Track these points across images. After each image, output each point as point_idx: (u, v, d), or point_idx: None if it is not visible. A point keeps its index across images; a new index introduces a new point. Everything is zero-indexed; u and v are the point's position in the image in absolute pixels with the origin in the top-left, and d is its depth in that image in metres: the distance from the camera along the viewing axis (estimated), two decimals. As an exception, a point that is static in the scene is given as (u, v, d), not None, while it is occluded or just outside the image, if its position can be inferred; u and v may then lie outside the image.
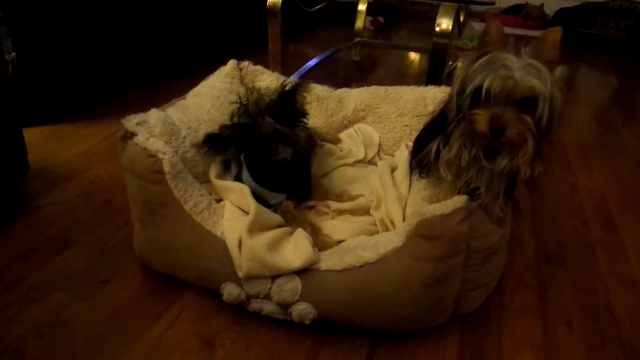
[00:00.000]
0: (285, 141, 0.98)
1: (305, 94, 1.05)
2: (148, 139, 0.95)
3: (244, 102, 1.08)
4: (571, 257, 1.20)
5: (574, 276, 1.14)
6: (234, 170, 1.09)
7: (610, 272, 1.16)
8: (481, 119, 0.82)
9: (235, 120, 1.09)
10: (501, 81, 0.79)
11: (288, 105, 1.02)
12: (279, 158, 0.98)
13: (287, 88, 1.06)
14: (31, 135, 1.57)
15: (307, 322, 0.90)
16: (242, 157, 1.07)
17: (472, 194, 0.92)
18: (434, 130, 1.09)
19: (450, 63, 2.54)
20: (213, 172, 1.11)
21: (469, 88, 0.83)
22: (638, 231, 1.32)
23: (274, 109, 1.01)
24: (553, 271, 1.15)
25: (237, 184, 1.03)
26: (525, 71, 0.80)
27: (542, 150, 0.86)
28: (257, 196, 1.01)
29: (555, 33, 0.80)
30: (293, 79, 1.37)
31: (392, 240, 0.87)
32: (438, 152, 1.01)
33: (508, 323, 0.99)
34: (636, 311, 1.04)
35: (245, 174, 1.05)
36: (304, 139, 1.02)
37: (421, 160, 1.10)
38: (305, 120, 1.06)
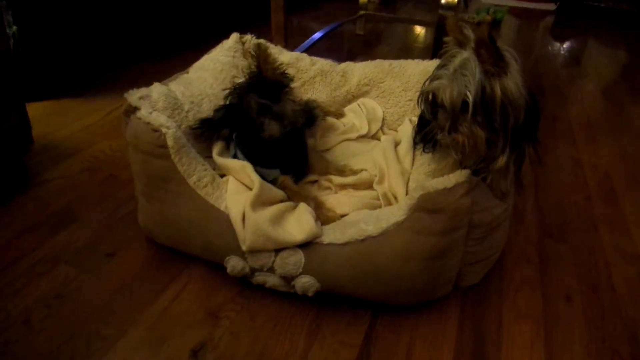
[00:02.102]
0: (270, 115, 0.98)
1: (267, 53, 1.04)
2: (151, 113, 0.95)
3: (236, 85, 1.07)
4: (573, 232, 1.21)
5: (576, 251, 1.14)
6: (231, 152, 1.10)
7: (612, 247, 1.16)
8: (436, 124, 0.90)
9: (228, 101, 1.09)
10: (438, 91, 0.85)
11: (262, 75, 1.02)
12: (267, 134, 0.98)
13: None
14: (35, 110, 1.57)
15: (310, 294, 0.91)
16: (234, 137, 1.08)
17: (476, 172, 0.92)
18: None
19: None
20: (215, 149, 1.11)
21: (424, 88, 0.89)
22: (641, 207, 1.32)
23: (257, 83, 1.01)
24: (555, 246, 1.15)
25: (238, 162, 1.03)
26: (455, 80, 0.83)
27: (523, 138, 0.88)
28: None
29: (481, 32, 0.81)
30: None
31: (394, 214, 0.87)
32: None
33: (509, 296, 1.00)
34: (636, 285, 1.05)
35: (238, 153, 1.06)
36: (290, 112, 1.01)
37: (426, 135, 1.09)
38: (289, 90, 1.05)
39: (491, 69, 0.80)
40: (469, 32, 0.84)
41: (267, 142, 1.00)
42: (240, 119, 1.00)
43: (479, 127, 0.83)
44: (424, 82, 0.92)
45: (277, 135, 0.99)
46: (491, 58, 0.80)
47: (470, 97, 0.80)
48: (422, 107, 0.94)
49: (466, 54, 0.83)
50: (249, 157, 1.04)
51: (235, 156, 1.07)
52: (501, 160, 0.85)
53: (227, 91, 1.08)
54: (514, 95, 0.80)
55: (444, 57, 0.89)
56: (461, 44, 0.86)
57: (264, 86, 1.01)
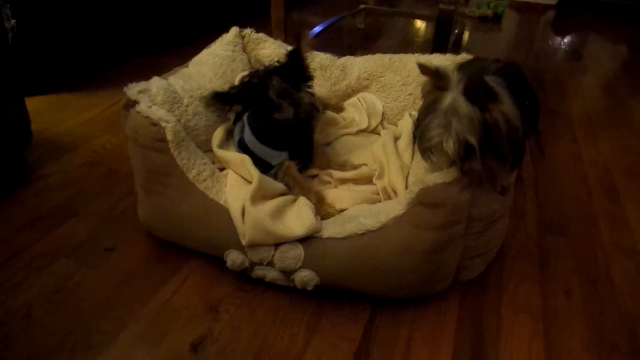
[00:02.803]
0: (290, 100, 1.00)
1: (307, 45, 1.06)
2: (150, 107, 0.95)
3: (254, 69, 1.08)
4: (573, 227, 1.21)
5: (575, 246, 1.14)
6: (237, 136, 1.10)
7: (611, 242, 1.16)
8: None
9: (246, 80, 1.09)
10: (440, 146, 0.81)
11: (296, 63, 1.03)
12: (281, 116, 1.00)
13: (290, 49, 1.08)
14: (34, 104, 1.57)
15: (309, 288, 0.91)
16: (245, 117, 1.08)
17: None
18: None
19: (456, 31, 2.50)
20: (215, 141, 1.11)
21: (425, 145, 0.84)
22: (641, 202, 1.32)
23: (283, 69, 1.02)
24: (554, 241, 1.15)
25: (238, 155, 1.03)
26: (451, 128, 0.79)
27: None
28: (259, 159, 1.03)
29: None
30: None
31: (393, 208, 0.87)
32: None
33: (508, 291, 1.00)
34: (636, 280, 1.05)
35: (247, 134, 1.06)
36: (307, 102, 1.02)
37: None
38: (311, 85, 1.07)
39: (484, 104, 0.78)
40: (451, 74, 0.81)
41: (280, 124, 1.02)
42: (257, 97, 1.02)
43: (490, 159, 0.82)
44: (415, 126, 0.89)
45: (291, 119, 1.01)
46: (482, 95, 0.77)
47: (474, 140, 0.78)
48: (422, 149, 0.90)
49: (451, 95, 0.80)
50: (260, 137, 1.04)
51: (242, 139, 1.07)
52: (512, 177, 0.84)
53: (248, 71, 1.09)
54: (514, 117, 0.78)
55: (427, 102, 0.85)
56: (441, 87, 0.82)
57: (287, 73, 1.03)
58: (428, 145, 0.83)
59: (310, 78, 1.07)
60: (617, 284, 1.04)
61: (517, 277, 1.04)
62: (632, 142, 1.65)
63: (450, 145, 0.78)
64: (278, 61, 1.06)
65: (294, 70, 1.02)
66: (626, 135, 1.69)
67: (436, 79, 0.83)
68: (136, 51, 2.07)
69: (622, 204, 1.31)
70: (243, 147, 1.07)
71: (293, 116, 1.00)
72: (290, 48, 1.08)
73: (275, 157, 1.04)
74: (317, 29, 2.34)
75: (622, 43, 2.86)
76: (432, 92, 0.84)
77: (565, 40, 2.83)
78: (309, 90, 1.05)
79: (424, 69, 0.83)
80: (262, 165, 1.02)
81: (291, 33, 1.99)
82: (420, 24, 2.91)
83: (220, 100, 1.06)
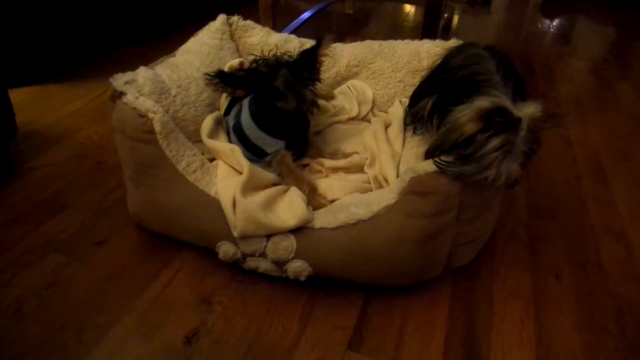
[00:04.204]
0: (295, 93, 0.99)
1: (326, 51, 1.05)
2: (137, 98, 0.93)
3: (263, 57, 1.07)
4: (563, 210, 1.22)
5: (565, 229, 1.15)
6: (232, 121, 1.09)
7: (600, 224, 1.17)
8: None
9: (253, 66, 1.08)
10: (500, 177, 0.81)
11: (308, 61, 1.02)
12: (285, 105, 1.00)
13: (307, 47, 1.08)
14: (18, 96, 1.54)
15: (302, 278, 0.91)
16: (244, 102, 1.08)
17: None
18: (430, 87, 1.07)
19: (446, 15, 2.48)
20: (204, 131, 1.09)
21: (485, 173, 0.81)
22: (629, 184, 1.33)
23: (293, 65, 1.01)
24: (544, 225, 1.16)
25: (228, 145, 1.02)
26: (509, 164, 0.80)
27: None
28: (254, 145, 1.02)
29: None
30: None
31: (385, 197, 0.87)
32: (432, 111, 1.01)
33: (499, 276, 1.01)
34: (624, 262, 1.07)
35: (246, 119, 1.05)
36: (310, 99, 1.02)
37: (415, 114, 1.09)
38: (316, 85, 1.06)
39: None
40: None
41: (282, 113, 1.01)
42: (264, 84, 1.01)
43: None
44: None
45: (293, 110, 1.01)
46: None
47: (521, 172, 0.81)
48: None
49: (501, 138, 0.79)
50: (259, 123, 1.04)
51: (238, 123, 1.06)
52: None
53: (254, 58, 1.07)
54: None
55: (496, 144, 0.80)
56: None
57: (297, 70, 1.01)
58: (496, 182, 0.82)
59: (319, 80, 1.06)
60: (605, 266, 1.05)
61: (507, 262, 1.05)
62: (620, 125, 1.66)
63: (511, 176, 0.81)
64: (290, 56, 1.05)
65: (305, 69, 1.02)
66: (614, 118, 1.70)
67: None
68: (122, 40, 2.04)
69: (610, 186, 1.32)
70: (238, 132, 1.06)
71: (295, 108, 1.00)
72: (308, 46, 1.06)
73: (272, 144, 1.03)
74: (305, 15, 2.31)
75: (610, 25, 2.87)
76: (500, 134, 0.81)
77: (554, 23, 2.82)
78: (313, 89, 1.04)
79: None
80: (256, 153, 1.02)
81: (279, 19, 1.96)
82: (409, 8, 2.89)
83: (224, 81, 1.05)
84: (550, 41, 2.50)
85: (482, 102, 0.80)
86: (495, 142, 0.78)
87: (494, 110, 0.78)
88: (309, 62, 1.03)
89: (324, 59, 1.06)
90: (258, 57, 1.06)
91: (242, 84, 1.07)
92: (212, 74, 1.05)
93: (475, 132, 0.79)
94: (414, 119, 1.12)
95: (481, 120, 0.79)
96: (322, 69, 1.07)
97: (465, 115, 0.81)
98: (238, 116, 1.08)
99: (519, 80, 0.94)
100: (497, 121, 0.78)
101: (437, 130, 0.97)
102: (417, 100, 1.12)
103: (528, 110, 0.77)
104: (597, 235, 1.14)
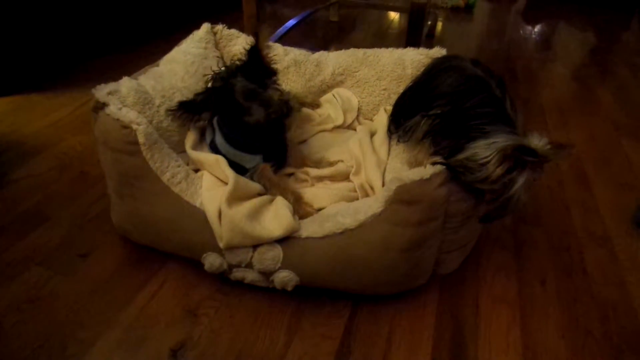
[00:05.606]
0: (258, 101, 0.97)
1: (266, 43, 1.04)
2: (120, 109, 0.92)
3: (216, 70, 1.05)
4: (547, 216, 1.23)
5: (549, 235, 1.17)
6: (208, 137, 1.08)
7: (583, 229, 1.19)
8: None
9: (209, 85, 1.06)
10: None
11: (256, 60, 1.01)
12: (252, 119, 0.98)
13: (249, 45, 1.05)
14: (-1, 106, 1.51)
15: (289, 288, 0.91)
16: (214, 121, 1.05)
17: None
18: (420, 104, 1.06)
19: (429, 22, 2.50)
20: (188, 142, 1.09)
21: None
22: (611, 189, 1.35)
23: (244, 68, 1.00)
24: (529, 231, 1.18)
25: (212, 156, 1.01)
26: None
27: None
28: (232, 162, 1.01)
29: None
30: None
31: (371, 206, 0.87)
32: (429, 132, 1.01)
33: (485, 282, 1.02)
34: (607, 267, 1.08)
35: (219, 139, 1.04)
36: (277, 100, 1.00)
37: (406, 129, 1.09)
38: (275, 79, 1.04)
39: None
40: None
41: (251, 127, 0.99)
42: (224, 102, 0.99)
43: None
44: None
45: (263, 122, 0.98)
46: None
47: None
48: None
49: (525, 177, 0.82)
50: (232, 142, 1.02)
51: (213, 141, 1.05)
52: None
53: (209, 75, 1.05)
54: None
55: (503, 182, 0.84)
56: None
57: (249, 71, 1.00)
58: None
59: (274, 72, 1.04)
60: (589, 271, 1.07)
61: (493, 268, 1.06)
62: (601, 129, 1.69)
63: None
64: (239, 59, 1.03)
65: (256, 68, 0.99)
66: (595, 123, 1.73)
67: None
68: (105, 48, 2.01)
69: (592, 191, 1.34)
70: (215, 150, 1.04)
71: (264, 118, 0.98)
72: (248, 46, 1.04)
73: (249, 160, 1.02)
74: (290, 22, 2.32)
75: (589, 30, 2.92)
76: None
77: (536, 29, 2.87)
78: (277, 87, 1.02)
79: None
80: (236, 169, 1.00)
81: (264, 28, 1.96)
82: (393, 15, 2.91)
83: (187, 110, 1.02)
84: (532, 47, 2.54)
85: (505, 143, 0.83)
86: (521, 181, 0.81)
87: (518, 148, 0.80)
88: (257, 59, 1.01)
89: (267, 51, 1.04)
90: (213, 73, 1.04)
91: (204, 107, 1.03)
92: (173, 107, 1.03)
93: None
94: (403, 132, 1.11)
95: (507, 161, 0.81)
96: (272, 60, 1.05)
97: (492, 160, 0.83)
98: (213, 133, 1.07)
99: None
100: (522, 160, 0.80)
101: (432, 152, 1.00)
102: (402, 112, 1.12)
103: (538, 143, 0.80)
104: (580, 240, 1.16)
